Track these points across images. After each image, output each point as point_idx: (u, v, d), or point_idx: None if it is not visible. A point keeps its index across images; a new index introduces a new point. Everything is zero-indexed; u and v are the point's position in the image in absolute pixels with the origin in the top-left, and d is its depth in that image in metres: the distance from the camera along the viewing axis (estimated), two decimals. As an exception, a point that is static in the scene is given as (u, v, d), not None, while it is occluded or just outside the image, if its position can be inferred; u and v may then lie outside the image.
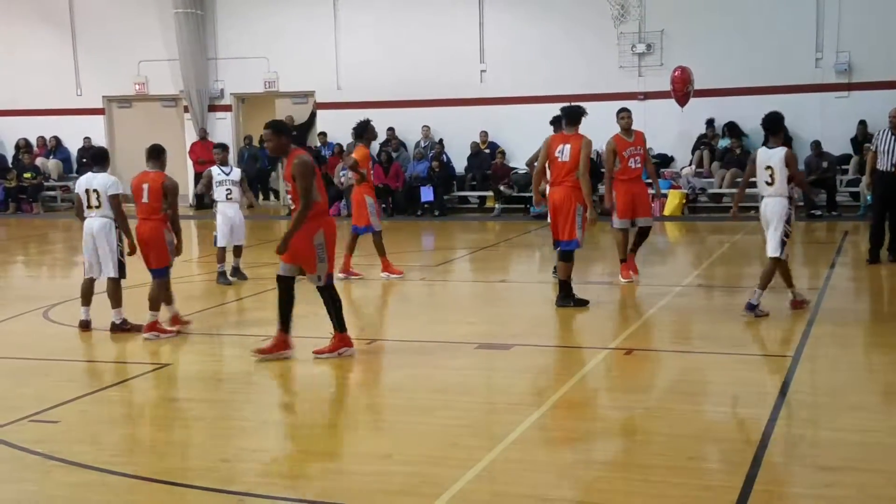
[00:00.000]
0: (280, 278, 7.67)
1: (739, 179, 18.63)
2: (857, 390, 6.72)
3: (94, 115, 23.62)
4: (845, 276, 11.32)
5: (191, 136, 22.78)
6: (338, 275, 11.49)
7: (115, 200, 8.67)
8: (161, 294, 8.67)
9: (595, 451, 5.61)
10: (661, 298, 9.97)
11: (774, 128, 8.88)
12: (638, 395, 6.70)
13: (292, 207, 7.64)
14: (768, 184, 8.74)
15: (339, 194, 20.42)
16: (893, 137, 11.47)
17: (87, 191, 8.71)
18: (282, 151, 7.59)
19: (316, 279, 7.52)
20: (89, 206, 8.68)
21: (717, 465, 5.32)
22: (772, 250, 8.75)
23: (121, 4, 22.88)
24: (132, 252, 8.70)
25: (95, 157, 9.28)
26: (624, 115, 10.81)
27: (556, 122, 10.41)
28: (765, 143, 9.02)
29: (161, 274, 8.67)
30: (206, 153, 22.40)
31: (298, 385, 7.31)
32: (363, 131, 11.77)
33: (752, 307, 8.72)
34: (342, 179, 20.38)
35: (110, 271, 8.65)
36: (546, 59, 20.03)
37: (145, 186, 8.68)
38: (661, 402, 6.53)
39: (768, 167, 8.72)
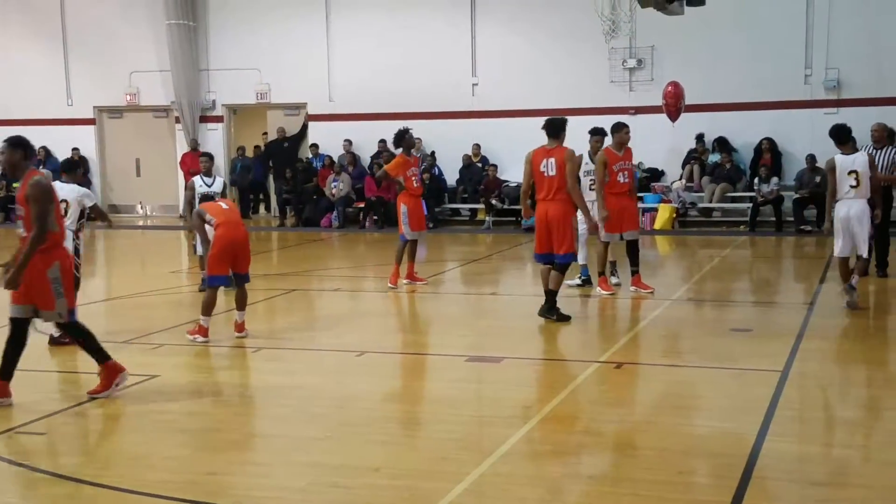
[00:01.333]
0: (13, 321, 6.69)
1: (729, 194, 18.78)
2: (846, 405, 6.72)
3: (85, 126, 23.56)
4: (835, 292, 11.32)
5: (182, 147, 22.75)
6: (402, 281, 11.48)
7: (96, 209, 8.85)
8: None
9: (584, 465, 5.60)
10: (652, 312, 9.98)
11: (843, 137, 9.81)
12: (627, 409, 6.70)
13: (23, 235, 6.61)
14: (853, 187, 9.54)
15: (330, 205, 20.43)
16: (877, 152, 11.56)
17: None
18: (16, 169, 6.68)
19: (56, 316, 6.72)
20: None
21: (706, 479, 5.31)
22: (865, 250, 9.65)
23: (113, 15, 22.86)
24: None
25: (64, 166, 9.23)
26: (627, 131, 10.88)
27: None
28: (842, 153, 9.81)
29: None
30: (198, 164, 22.37)
31: (287, 398, 7.27)
32: (400, 139, 11.69)
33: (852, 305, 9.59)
34: (334, 191, 20.42)
35: None
36: (538, 73, 20.10)
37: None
38: (650, 416, 6.52)
39: (852, 171, 9.53)
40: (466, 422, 6.42)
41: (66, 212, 8.43)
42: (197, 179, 11.49)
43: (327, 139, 21.53)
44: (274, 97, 22.48)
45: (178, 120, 22.90)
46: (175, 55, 22.23)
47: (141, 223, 23.13)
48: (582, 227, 10.45)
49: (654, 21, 16.03)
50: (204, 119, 22.98)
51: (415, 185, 11.74)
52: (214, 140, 22.92)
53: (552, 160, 9.30)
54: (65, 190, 8.56)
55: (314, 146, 21.75)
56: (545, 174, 9.34)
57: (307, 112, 22.34)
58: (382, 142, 20.86)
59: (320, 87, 21.78)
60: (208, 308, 8.72)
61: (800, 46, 18.66)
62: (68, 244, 7.92)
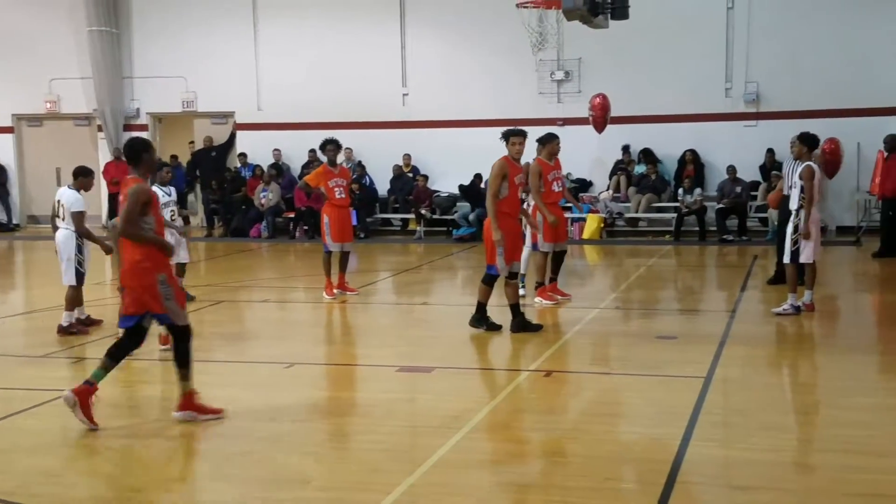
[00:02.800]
0: None
1: (655, 204, 19.13)
2: (768, 410, 6.89)
3: (3, 134, 22.98)
4: (755, 299, 11.63)
5: (105, 157, 22.32)
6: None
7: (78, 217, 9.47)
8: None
9: (515, 474, 5.64)
10: (580, 321, 10.10)
11: (816, 144, 10.45)
12: (557, 417, 6.77)
13: None
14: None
15: (259, 216, 20.23)
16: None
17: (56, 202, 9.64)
18: None
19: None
20: (57, 216, 9.64)
21: (633, 485, 5.40)
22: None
23: (32, 21, 22.34)
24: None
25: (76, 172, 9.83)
26: (558, 142, 11.02)
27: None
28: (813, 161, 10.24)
29: None
30: (121, 174, 21.91)
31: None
32: (322, 150, 11.94)
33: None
34: (263, 201, 20.22)
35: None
36: (467, 84, 20.23)
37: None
38: (579, 424, 6.60)
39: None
40: (397, 432, 6.42)
41: (62, 215, 9.60)
42: (157, 190, 11.27)
43: (256, 148, 21.34)
44: (200, 105, 22.21)
45: (100, 128, 22.48)
46: (97, 62, 21.83)
47: (63, 234, 22.55)
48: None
49: (581, 34, 16.27)
50: (128, 128, 22.56)
51: (337, 195, 11.70)
52: (139, 149, 22.49)
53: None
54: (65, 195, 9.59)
55: (242, 155, 21.53)
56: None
57: (235, 121, 22.12)
58: (312, 151, 20.76)
59: (248, 96, 21.59)
60: None
61: (721, 61, 19.12)
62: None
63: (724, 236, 17.65)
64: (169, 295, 6.44)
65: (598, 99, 18.19)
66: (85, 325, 9.78)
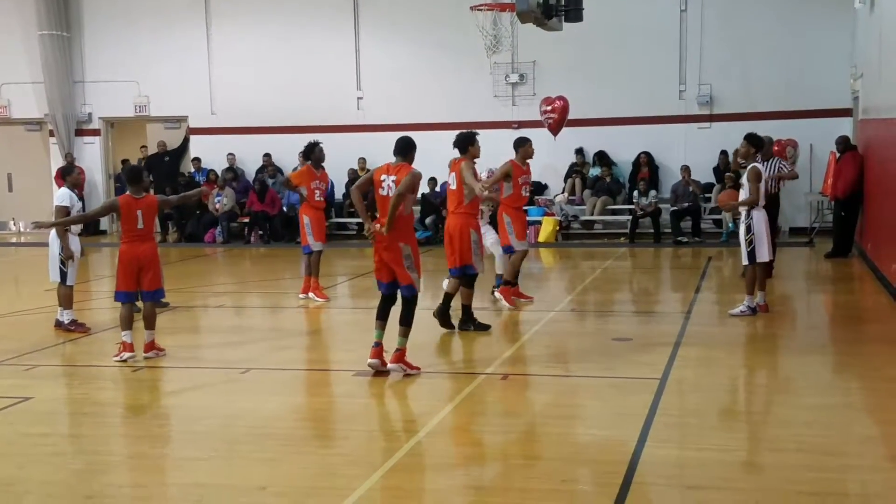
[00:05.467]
0: None
1: (610, 206, 19.28)
2: (722, 410, 6.98)
3: (-48, 139, 22.58)
4: (710, 301, 11.76)
5: (57, 162, 21.99)
6: (306, 294, 11.23)
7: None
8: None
9: (471, 476, 5.64)
10: (536, 324, 10.14)
11: (762, 144, 10.54)
12: (514, 420, 6.79)
13: None
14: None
15: (214, 221, 20.06)
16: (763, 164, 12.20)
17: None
18: None
19: None
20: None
21: (589, 486, 5.42)
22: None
23: (-19, 24, 21.98)
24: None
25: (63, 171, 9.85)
26: (531, 144, 11.03)
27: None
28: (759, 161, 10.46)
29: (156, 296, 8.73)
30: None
31: (169, 417, 7.10)
32: (310, 152, 12.02)
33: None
34: (217, 206, 20.05)
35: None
36: (422, 88, 20.25)
37: (139, 213, 8.55)
38: (536, 426, 6.63)
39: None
40: (354, 436, 6.40)
41: None
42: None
43: (210, 153, 21.14)
44: (153, 110, 21.98)
45: (52, 133, 22.15)
46: (48, 66, 21.51)
47: (14, 240, 22.22)
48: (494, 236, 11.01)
49: (535, 37, 16.36)
50: (80, 133, 22.29)
51: (317, 197, 11.84)
52: (91, 154, 22.26)
53: (454, 174, 9.63)
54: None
55: (196, 160, 21.33)
56: (450, 186, 9.65)
57: (188, 125, 21.91)
58: (267, 156, 20.65)
59: (202, 100, 21.40)
60: (125, 323, 8.53)
61: (674, 63, 19.32)
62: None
63: (679, 238, 17.83)
64: None
65: (559, 101, 18.20)
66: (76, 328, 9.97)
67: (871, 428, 6.51)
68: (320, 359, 8.92)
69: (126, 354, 8.47)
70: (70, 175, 10.39)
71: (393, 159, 8.13)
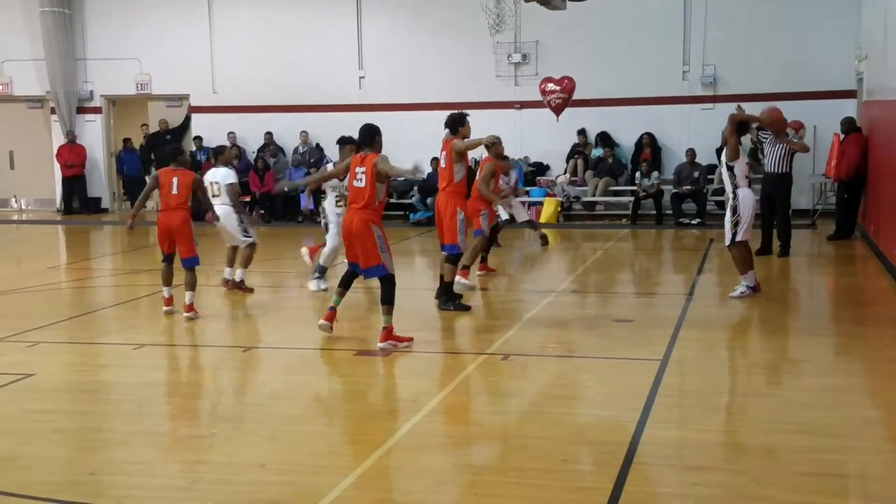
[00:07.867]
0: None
1: (612, 188, 19.24)
2: (722, 391, 6.98)
3: (-46, 116, 22.54)
4: (712, 282, 11.75)
5: (58, 139, 21.96)
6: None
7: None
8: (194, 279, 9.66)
9: (472, 456, 5.66)
10: (537, 304, 10.14)
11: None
12: (513, 400, 6.79)
13: None
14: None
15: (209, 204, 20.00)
16: (776, 141, 12.74)
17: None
18: None
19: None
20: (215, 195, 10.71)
21: (589, 467, 5.43)
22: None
23: (-18, 1, 21.90)
24: None
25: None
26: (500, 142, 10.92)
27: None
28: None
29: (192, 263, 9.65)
30: (74, 157, 21.66)
31: (171, 395, 7.12)
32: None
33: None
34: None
35: None
36: (424, 67, 20.17)
37: (175, 181, 9.60)
38: (536, 406, 6.63)
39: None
40: (355, 416, 6.41)
41: None
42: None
43: (211, 132, 21.06)
44: (155, 88, 21.92)
45: (53, 111, 22.10)
46: (50, 44, 21.44)
47: (15, 217, 22.22)
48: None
49: (539, 16, 16.29)
50: (81, 110, 22.24)
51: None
52: (93, 132, 22.21)
53: (444, 153, 9.52)
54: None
55: (198, 139, 21.28)
56: (440, 165, 9.66)
57: (190, 104, 21.85)
58: (269, 134, 20.60)
59: (203, 79, 21.33)
60: (163, 280, 9.84)
61: (678, 44, 19.23)
62: None
63: (681, 220, 17.79)
64: None
65: (566, 81, 18.06)
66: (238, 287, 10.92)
67: (872, 410, 6.52)
68: (321, 338, 8.92)
69: (164, 308, 9.62)
70: (222, 154, 11.13)
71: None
